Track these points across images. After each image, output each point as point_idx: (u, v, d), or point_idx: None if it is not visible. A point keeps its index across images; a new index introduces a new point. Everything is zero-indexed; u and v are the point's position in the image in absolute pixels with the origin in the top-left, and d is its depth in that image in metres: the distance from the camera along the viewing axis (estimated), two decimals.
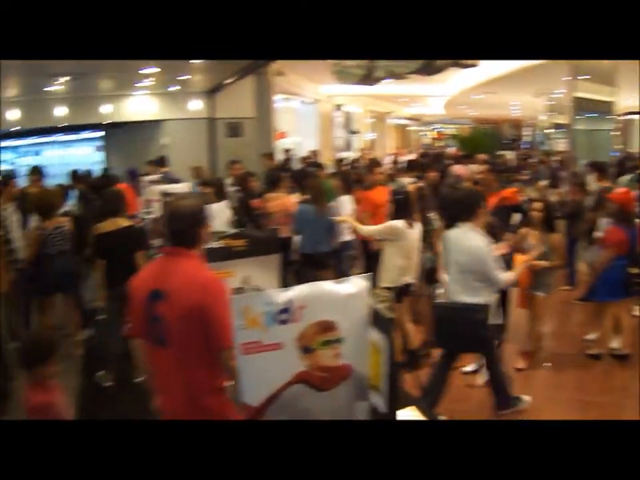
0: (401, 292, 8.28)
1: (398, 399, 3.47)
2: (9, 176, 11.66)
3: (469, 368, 8.34)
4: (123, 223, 8.15)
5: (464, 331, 6.77)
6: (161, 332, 4.04)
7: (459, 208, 7.05)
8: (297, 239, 9.95)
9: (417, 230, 8.35)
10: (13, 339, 9.40)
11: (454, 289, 7.03)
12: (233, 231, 6.67)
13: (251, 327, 3.21)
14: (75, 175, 13.90)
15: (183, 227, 4.20)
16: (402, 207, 8.32)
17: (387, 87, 21.21)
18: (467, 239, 6.87)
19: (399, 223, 8.19)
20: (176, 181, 12.67)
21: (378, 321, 3.33)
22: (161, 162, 15.54)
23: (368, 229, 8.76)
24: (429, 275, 8.89)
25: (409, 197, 8.46)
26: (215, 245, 5.73)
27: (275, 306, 3.22)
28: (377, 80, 13.93)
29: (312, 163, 17.69)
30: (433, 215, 9.22)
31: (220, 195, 10.13)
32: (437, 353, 7.51)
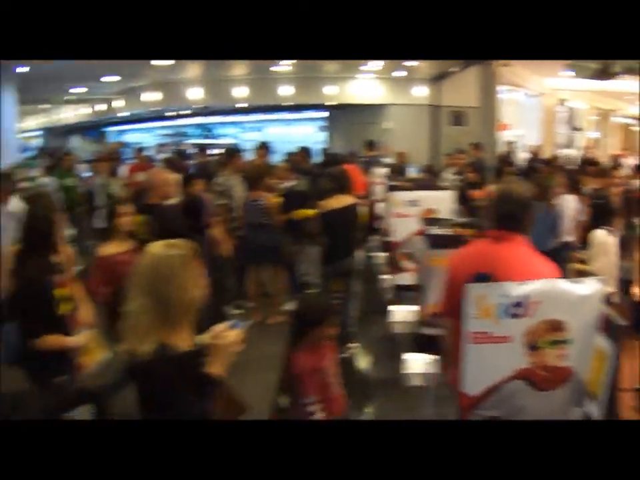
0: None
1: (616, 410, 3.37)
2: (236, 149, 12.12)
3: None
4: (348, 200, 8.27)
5: None
6: None
7: None
8: None
9: (615, 237, 7.87)
10: (227, 303, 9.79)
11: None
12: (462, 219, 6.63)
13: (483, 317, 3.19)
14: (301, 152, 14.29)
15: (514, 210, 4.07)
16: (602, 213, 7.86)
17: (615, 83, 20.26)
18: None
19: (603, 236, 7.72)
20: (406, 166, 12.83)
21: (609, 327, 3.22)
22: (370, 145, 15.66)
23: (597, 269, 8.13)
24: (625, 286, 8.32)
25: (610, 203, 8.00)
26: (443, 231, 5.72)
27: (509, 299, 3.18)
28: (612, 75, 13.45)
29: (537, 158, 17.28)
30: (637, 222, 8.63)
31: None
32: None
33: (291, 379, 4.61)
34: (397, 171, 11.68)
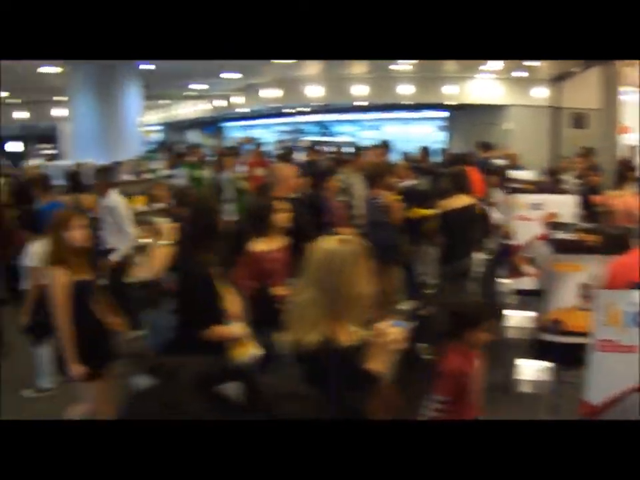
0: None
1: None
2: (358, 147, 12.21)
3: None
4: (467, 201, 8.21)
5: None
6: None
7: None
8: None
9: None
10: None
11: None
12: (587, 225, 6.50)
13: (611, 324, 3.15)
14: (422, 151, 14.33)
15: None
16: None
17: None
18: None
19: None
20: (517, 168, 12.64)
21: None
22: (484, 146, 15.47)
23: None
24: None
25: None
26: (567, 236, 5.63)
27: (637, 307, 3.13)
28: None
29: None
30: None
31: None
32: None
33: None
34: (496, 172, 11.42)
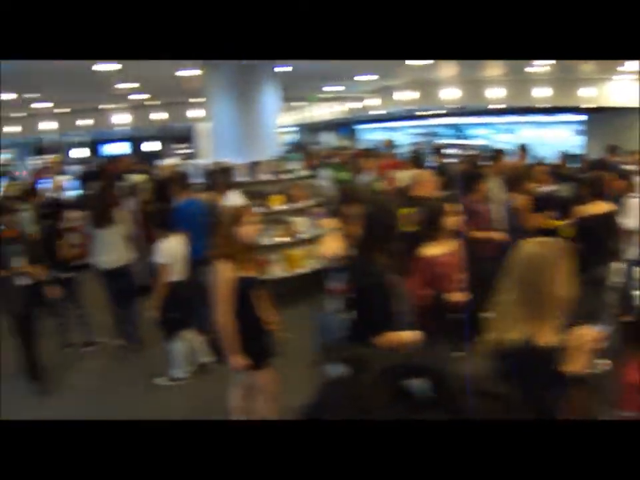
0: None
1: None
2: (500, 151, 12.16)
3: None
4: (606, 207, 8.07)
5: None
6: None
7: None
8: None
9: None
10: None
11: None
12: None
13: None
14: (562, 156, 14.10)
15: None
16: None
17: None
18: None
19: None
20: None
21: None
22: (612, 150, 15.05)
23: None
24: None
25: None
26: None
27: None
28: None
29: None
30: None
31: None
32: None
33: None
34: (624, 176, 11.13)
